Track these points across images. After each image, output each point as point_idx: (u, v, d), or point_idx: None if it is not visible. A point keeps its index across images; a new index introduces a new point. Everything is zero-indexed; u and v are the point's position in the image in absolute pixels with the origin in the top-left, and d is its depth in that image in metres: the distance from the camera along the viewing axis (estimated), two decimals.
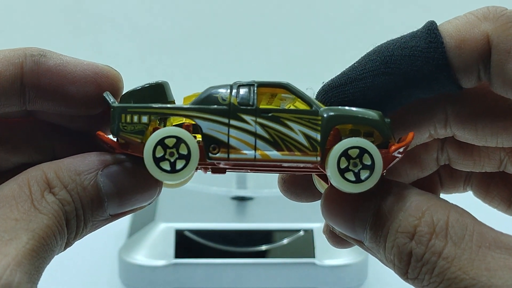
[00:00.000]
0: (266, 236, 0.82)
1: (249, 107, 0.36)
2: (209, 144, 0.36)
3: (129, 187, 0.36)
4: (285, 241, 0.81)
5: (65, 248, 0.36)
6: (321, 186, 0.40)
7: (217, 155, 0.36)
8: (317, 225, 0.82)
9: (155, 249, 0.80)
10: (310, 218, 0.83)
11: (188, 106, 0.36)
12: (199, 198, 0.89)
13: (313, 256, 0.80)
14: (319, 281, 0.79)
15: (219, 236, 0.81)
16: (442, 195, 0.45)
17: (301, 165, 0.36)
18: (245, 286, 0.79)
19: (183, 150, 0.36)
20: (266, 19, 1.19)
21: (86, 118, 0.39)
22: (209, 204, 0.89)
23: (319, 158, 0.36)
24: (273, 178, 0.41)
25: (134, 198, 0.37)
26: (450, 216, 0.33)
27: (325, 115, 0.36)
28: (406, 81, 0.36)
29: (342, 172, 0.36)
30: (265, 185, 0.89)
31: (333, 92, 0.37)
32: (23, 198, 0.34)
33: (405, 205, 0.34)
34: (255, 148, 0.36)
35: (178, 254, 0.79)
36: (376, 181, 0.35)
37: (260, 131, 0.36)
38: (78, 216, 0.35)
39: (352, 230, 0.36)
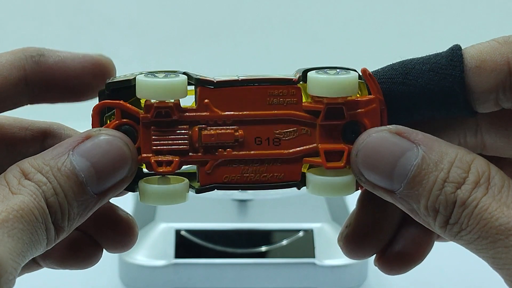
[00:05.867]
0: (266, 236, 0.82)
1: None
2: None
3: (101, 157, 0.37)
4: (285, 241, 0.81)
5: (59, 234, 0.36)
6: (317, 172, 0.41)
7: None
8: (317, 225, 0.82)
9: (155, 249, 0.80)
10: (310, 218, 0.83)
11: None
12: (200, 199, 0.89)
13: (313, 256, 0.80)
14: (319, 281, 0.79)
15: (219, 237, 0.81)
16: None
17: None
18: (245, 286, 0.79)
19: None
20: (266, 18, 1.19)
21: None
22: (209, 204, 0.88)
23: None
24: None
25: (110, 167, 0.37)
26: (491, 169, 0.37)
27: None
28: (422, 95, 0.38)
29: None
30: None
31: None
32: (0, 188, 0.35)
33: (452, 158, 0.37)
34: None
35: (178, 254, 0.79)
36: None
37: None
38: (57, 194, 0.36)
39: (389, 179, 0.38)
